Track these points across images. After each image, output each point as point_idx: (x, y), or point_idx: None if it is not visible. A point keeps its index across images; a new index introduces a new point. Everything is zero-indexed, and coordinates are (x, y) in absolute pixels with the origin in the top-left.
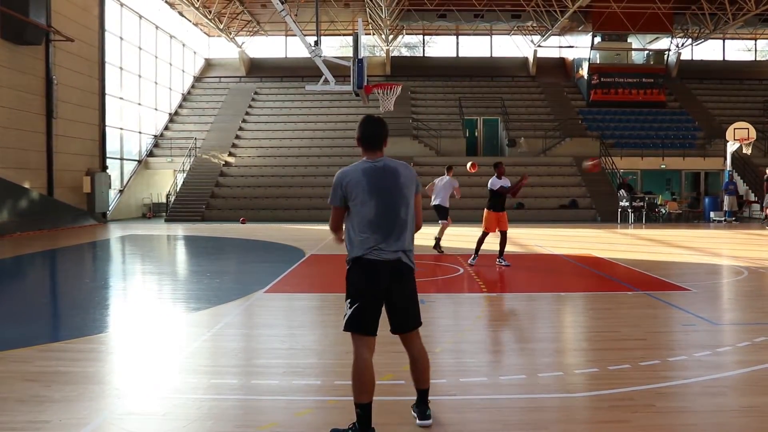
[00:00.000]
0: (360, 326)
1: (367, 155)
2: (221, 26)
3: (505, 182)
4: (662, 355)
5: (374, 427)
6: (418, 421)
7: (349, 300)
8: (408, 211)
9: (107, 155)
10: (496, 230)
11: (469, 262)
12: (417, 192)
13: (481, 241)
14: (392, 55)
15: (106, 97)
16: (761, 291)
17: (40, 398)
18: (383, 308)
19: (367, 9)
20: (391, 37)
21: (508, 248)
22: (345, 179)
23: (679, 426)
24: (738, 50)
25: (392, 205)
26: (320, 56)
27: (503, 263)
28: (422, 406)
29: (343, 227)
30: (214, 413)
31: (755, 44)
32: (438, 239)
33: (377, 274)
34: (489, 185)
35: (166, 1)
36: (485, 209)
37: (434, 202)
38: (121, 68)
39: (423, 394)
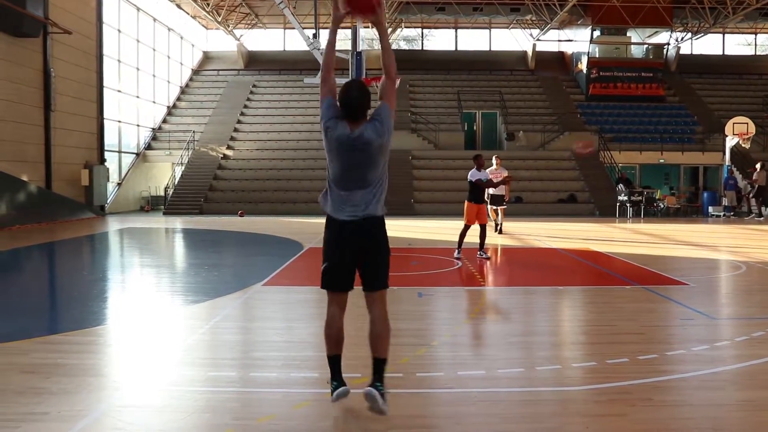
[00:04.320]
0: (329, 283)
1: (348, 121)
2: (219, 19)
3: (484, 174)
4: (660, 349)
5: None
6: (366, 388)
7: (322, 258)
8: (373, 174)
9: (105, 148)
10: (476, 222)
11: (454, 255)
12: (389, 136)
13: (463, 234)
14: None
15: (104, 89)
16: (759, 286)
17: (38, 390)
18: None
19: None
20: (389, 30)
21: (505, 242)
22: (328, 129)
23: (676, 420)
24: (738, 44)
25: (359, 172)
26: (319, 49)
27: (483, 256)
28: (374, 376)
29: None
30: (212, 405)
31: (755, 38)
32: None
33: (345, 232)
34: (468, 177)
35: None
36: (466, 201)
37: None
38: (119, 61)
39: (377, 363)
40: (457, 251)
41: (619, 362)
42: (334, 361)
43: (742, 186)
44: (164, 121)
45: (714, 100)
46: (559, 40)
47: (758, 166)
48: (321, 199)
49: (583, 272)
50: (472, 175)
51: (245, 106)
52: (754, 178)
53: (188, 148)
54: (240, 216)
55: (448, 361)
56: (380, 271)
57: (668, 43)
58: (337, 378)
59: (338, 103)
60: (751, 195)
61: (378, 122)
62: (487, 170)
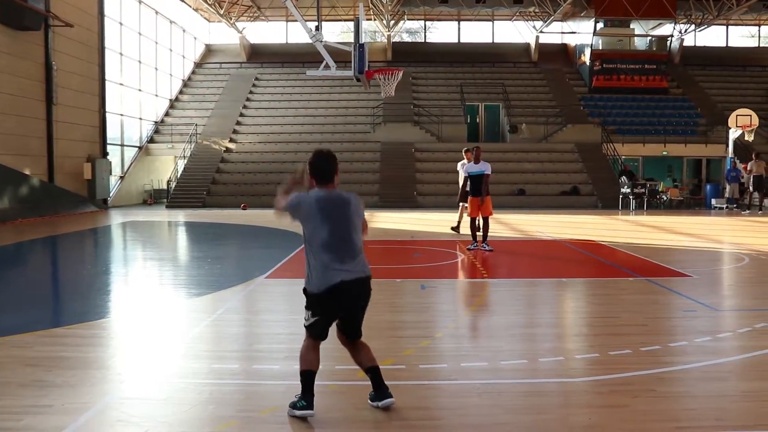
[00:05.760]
0: (316, 335)
1: (319, 187)
2: (221, 11)
3: (482, 167)
4: (663, 340)
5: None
6: (380, 403)
7: (310, 311)
8: (357, 237)
9: (108, 141)
10: (479, 215)
11: (468, 247)
12: (361, 217)
13: (472, 227)
14: (393, 40)
15: (106, 83)
16: (762, 277)
17: (41, 383)
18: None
19: None
20: (392, 22)
21: (509, 234)
22: (302, 203)
23: (679, 410)
24: (741, 36)
25: (343, 230)
26: (321, 41)
27: (486, 248)
28: (381, 386)
29: (304, 252)
30: (216, 398)
31: (759, 30)
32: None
33: (339, 294)
34: (464, 171)
35: None
36: (468, 196)
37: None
38: (120, 54)
39: (375, 372)
40: (472, 244)
41: (622, 353)
42: (309, 377)
43: (746, 180)
44: (167, 114)
45: (717, 92)
46: (562, 32)
47: (753, 156)
48: (310, 276)
49: (585, 264)
50: (465, 168)
51: (248, 99)
52: (748, 169)
53: (191, 142)
54: (243, 209)
55: (451, 352)
56: (361, 323)
57: (672, 35)
58: (308, 396)
59: (311, 171)
60: (751, 188)
61: (358, 199)
62: (458, 164)
